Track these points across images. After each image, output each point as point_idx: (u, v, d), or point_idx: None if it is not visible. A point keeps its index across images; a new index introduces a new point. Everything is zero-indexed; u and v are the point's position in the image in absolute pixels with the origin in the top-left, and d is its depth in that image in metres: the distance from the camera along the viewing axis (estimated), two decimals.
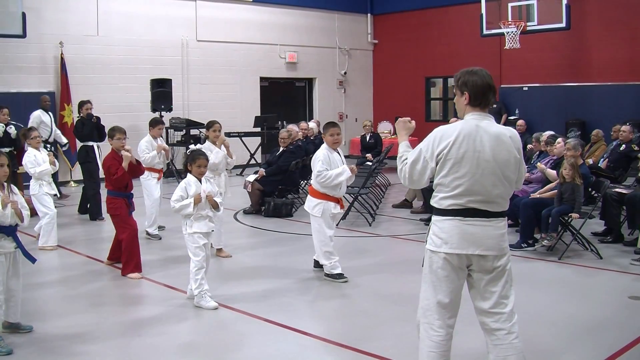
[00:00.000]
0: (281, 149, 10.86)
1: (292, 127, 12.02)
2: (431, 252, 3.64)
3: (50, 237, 7.95)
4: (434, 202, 3.66)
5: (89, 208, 10.01)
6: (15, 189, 5.11)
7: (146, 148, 8.51)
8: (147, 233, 8.54)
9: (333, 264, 6.56)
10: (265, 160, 11.96)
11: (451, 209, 3.55)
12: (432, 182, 3.69)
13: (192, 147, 11.40)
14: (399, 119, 4.01)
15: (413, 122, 3.96)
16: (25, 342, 4.91)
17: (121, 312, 5.75)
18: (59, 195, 8.44)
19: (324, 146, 6.70)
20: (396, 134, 3.99)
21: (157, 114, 14.03)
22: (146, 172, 8.45)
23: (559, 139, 8.56)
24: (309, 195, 6.76)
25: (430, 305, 3.65)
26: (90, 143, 10.16)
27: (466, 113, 3.63)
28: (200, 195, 5.71)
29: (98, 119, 10.47)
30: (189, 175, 5.89)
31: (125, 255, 6.77)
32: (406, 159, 3.68)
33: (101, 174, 8.04)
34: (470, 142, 3.49)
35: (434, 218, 3.67)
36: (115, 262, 7.10)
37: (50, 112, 11.50)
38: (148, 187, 8.60)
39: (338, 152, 6.72)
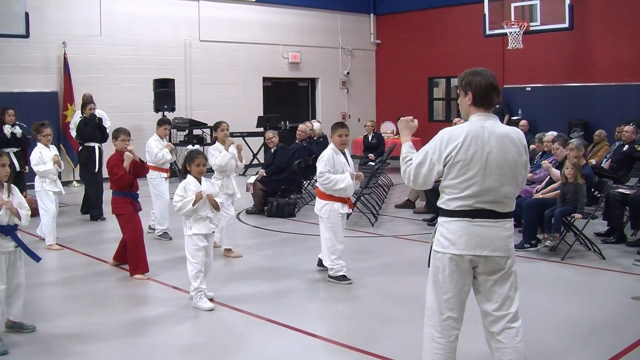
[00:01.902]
0: (272, 149, 10.87)
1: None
2: (438, 253, 3.62)
3: (51, 236, 7.98)
4: (441, 204, 3.63)
5: (90, 208, 10.06)
6: (15, 189, 5.09)
7: (156, 147, 8.51)
8: (161, 232, 8.59)
9: (338, 267, 6.55)
10: (264, 163, 11.95)
11: (459, 210, 3.53)
12: (437, 182, 3.67)
13: (189, 147, 11.43)
14: (401, 118, 3.97)
15: (415, 121, 3.93)
16: (28, 342, 4.92)
17: (124, 313, 5.76)
18: (63, 193, 8.46)
19: (330, 147, 6.64)
20: (399, 133, 3.96)
21: (160, 114, 14.06)
22: (154, 172, 8.49)
23: (556, 144, 8.49)
24: (317, 198, 6.71)
25: (435, 308, 3.64)
26: (92, 144, 10.18)
27: (470, 114, 3.63)
28: (202, 193, 5.70)
29: (100, 119, 10.49)
30: (188, 176, 5.89)
31: (131, 255, 6.77)
32: (410, 159, 3.65)
33: (105, 174, 8.05)
34: (479, 143, 3.48)
35: (441, 219, 3.64)
36: (120, 263, 7.11)
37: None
38: (158, 186, 8.59)
39: (344, 154, 6.65)
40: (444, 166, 3.53)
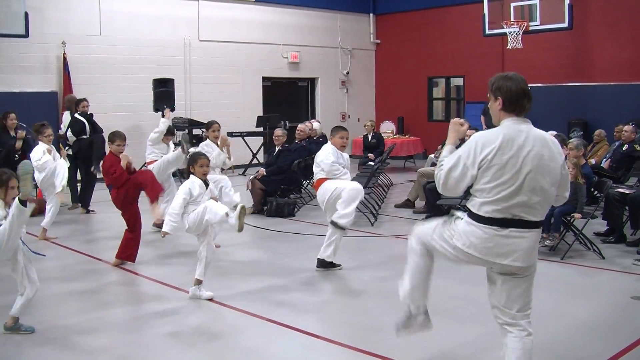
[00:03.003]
0: (277, 148, 10.88)
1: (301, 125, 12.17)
2: (457, 243, 3.63)
3: (50, 223, 8.22)
4: (471, 206, 3.57)
5: (82, 197, 10.39)
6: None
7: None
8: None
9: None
10: (265, 162, 11.96)
11: (489, 217, 3.48)
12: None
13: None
14: (452, 119, 3.93)
15: (466, 125, 3.87)
16: (28, 341, 4.92)
17: (122, 311, 5.76)
18: (65, 192, 8.59)
19: (331, 144, 7.05)
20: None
21: (159, 114, 14.04)
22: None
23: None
24: (318, 191, 7.00)
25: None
26: (84, 137, 10.41)
27: (501, 119, 3.60)
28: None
29: (91, 114, 10.69)
30: (192, 176, 5.90)
31: (134, 243, 6.98)
32: (443, 163, 3.62)
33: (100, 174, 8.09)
34: (515, 148, 3.44)
35: (468, 219, 3.59)
36: (125, 260, 7.08)
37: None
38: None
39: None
40: (479, 169, 3.47)
